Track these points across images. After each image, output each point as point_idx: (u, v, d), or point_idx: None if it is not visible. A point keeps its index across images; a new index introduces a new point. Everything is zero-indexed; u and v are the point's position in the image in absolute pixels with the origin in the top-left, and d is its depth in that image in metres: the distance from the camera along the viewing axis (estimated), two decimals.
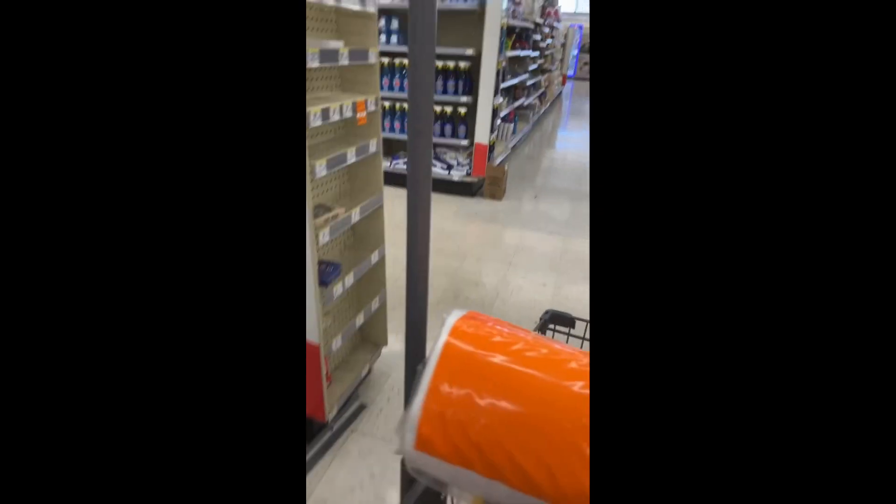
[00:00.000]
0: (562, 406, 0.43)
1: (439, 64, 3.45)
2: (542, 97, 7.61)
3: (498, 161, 4.36)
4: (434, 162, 3.85)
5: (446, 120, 3.64)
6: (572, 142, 6.50)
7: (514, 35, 5.00)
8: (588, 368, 0.45)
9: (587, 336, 0.77)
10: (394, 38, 3.51)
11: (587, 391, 0.43)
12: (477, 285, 2.51)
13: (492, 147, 3.93)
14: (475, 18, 3.51)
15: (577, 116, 8.62)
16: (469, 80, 3.52)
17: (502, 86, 4.29)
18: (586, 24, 14.85)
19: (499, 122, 4.49)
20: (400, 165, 3.87)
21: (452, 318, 0.52)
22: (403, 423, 0.47)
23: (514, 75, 5.29)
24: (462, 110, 3.58)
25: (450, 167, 3.83)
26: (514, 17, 4.63)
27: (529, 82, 6.18)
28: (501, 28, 3.43)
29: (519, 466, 0.43)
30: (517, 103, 5.51)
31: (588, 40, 14.72)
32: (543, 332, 0.79)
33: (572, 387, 0.44)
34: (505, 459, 0.43)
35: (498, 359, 0.47)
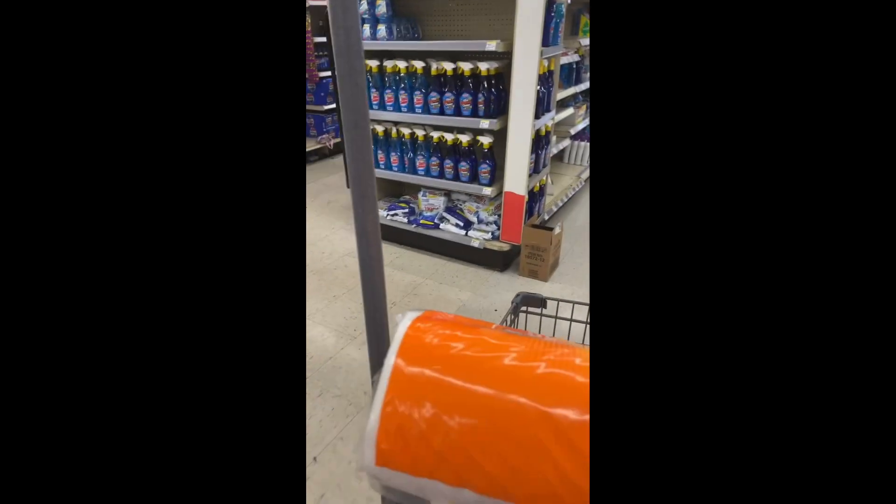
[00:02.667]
0: (520, 410, 0.42)
1: (445, 66, 2.15)
2: None
3: (556, 208, 2.91)
4: (446, 216, 2.57)
5: (461, 155, 2.33)
6: None
7: None
8: (559, 357, 0.45)
9: (559, 315, 0.91)
10: (382, 30, 2.29)
11: (551, 373, 0.43)
12: None
13: (537, 194, 2.52)
14: None
15: None
16: (497, 93, 2.17)
17: (573, 90, 2.83)
18: None
19: (560, 147, 3.02)
20: (399, 218, 2.66)
21: (406, 323, 0.51)
22: (361, 440, 0.46)
23: None
24: (485, 140, 2.24)
25: (467, 225, 2.52)
26: None
27: None
28: (553, 3, 2.00)
29: (484, 471, 0.42)
30: None
31: None
32: (517, 316, 0.83)
33: (535, 372, 0.43)
34: (469, 465, 0.43)
35: (455, 365, 0.46)
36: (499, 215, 2.44)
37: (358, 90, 0.50)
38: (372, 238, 0.59)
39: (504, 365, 0.44)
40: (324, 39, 4.18)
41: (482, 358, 0.45)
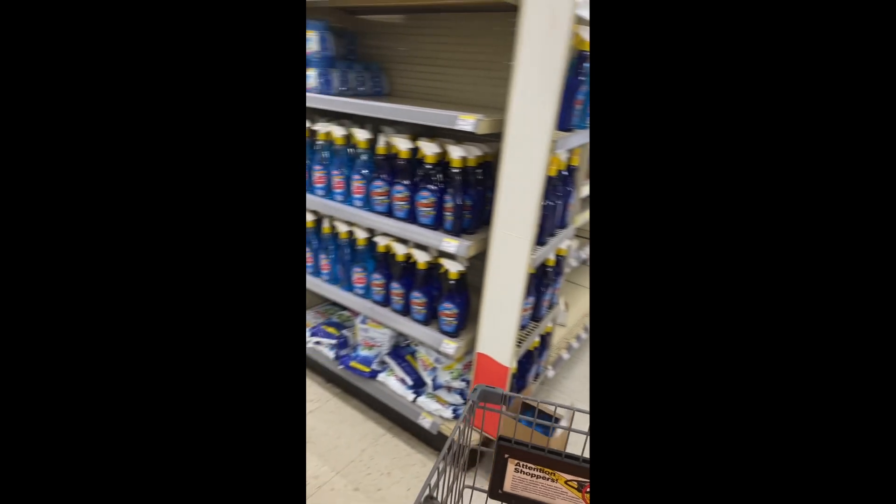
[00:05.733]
0: None
1: (397, 145, 1.31)
2: None
3: (567, 354, 1.96)
4: (390, 362, 1.67)
5: (415, 280, 1.46)
6: None
7: None
8: None
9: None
10: (312, 77, 1.50)
11: None
12: None
13: (534, 352, 1.60)
14: (498, 30, 1.31)
15: None
16: (478, 197, 1.31)
17: None
18: None
19: (583, 255, 2.12)
20: (323, 349, 1.77)
21: None
22: None
23: None
24: (452, 267, 1.37)
25: (418, 384, 1.60)
26: None
27: None
28: (581, 63, 1.17)
29: None
30: None
31: None
32: (473, 413, 0.75)
33: None
34: None
35: None
36: (468, 382, 1.52)
37: None
38: None
39: None
40: None
41: None
